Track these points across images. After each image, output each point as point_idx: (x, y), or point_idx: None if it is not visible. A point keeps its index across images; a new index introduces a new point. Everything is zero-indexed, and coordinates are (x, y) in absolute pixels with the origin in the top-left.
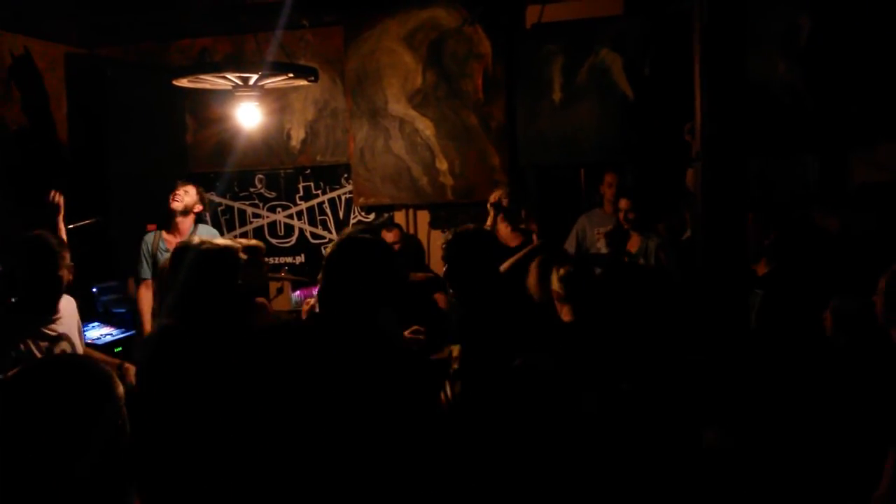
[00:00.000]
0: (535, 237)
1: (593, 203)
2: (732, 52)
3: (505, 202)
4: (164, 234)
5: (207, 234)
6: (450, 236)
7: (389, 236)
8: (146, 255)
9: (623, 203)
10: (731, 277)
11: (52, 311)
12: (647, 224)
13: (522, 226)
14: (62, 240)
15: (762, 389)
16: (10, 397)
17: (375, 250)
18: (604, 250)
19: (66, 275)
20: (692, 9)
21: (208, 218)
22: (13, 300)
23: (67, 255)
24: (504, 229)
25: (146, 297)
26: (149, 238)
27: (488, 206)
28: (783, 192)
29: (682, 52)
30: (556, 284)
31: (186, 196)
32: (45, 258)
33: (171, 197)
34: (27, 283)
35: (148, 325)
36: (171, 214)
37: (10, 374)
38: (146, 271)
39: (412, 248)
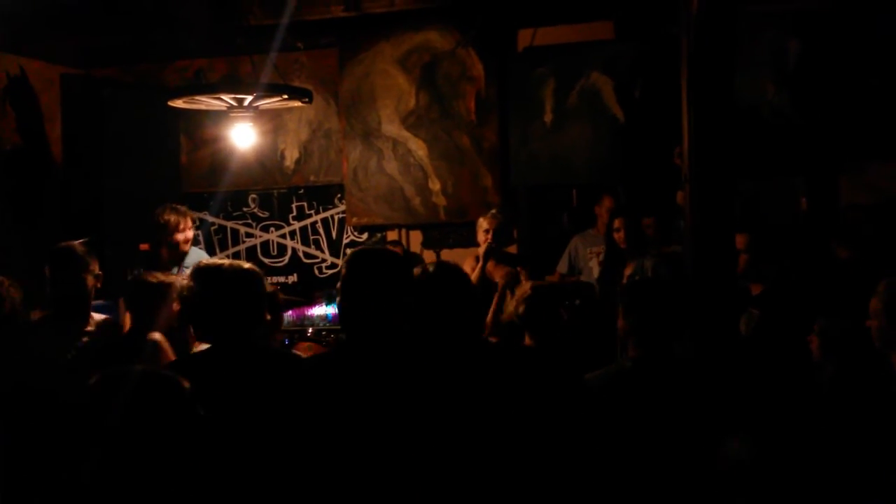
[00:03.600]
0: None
1: (584, 224)
2: (720, 76)
3: (494, 243)
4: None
5: (198, 257)
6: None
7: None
8: None
9: (618, 222)
10: (719, 295)
11: (83, 320)
12: (642, 243)
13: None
14: (89, 249)
15: (752, 407)
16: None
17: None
18: (596, 271)
19: (92, 281)
20: (681, 33)
21: (201, 238)
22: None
23: (94, 264)
24: (489, 264)
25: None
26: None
27: (474, 258)
28: (772, 214)
29: (673, 76)
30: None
31: (191, 232)
32: (69, 265)
33: (177, 236)
34: (53, 291)
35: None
36: (174, 245)
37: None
38: None
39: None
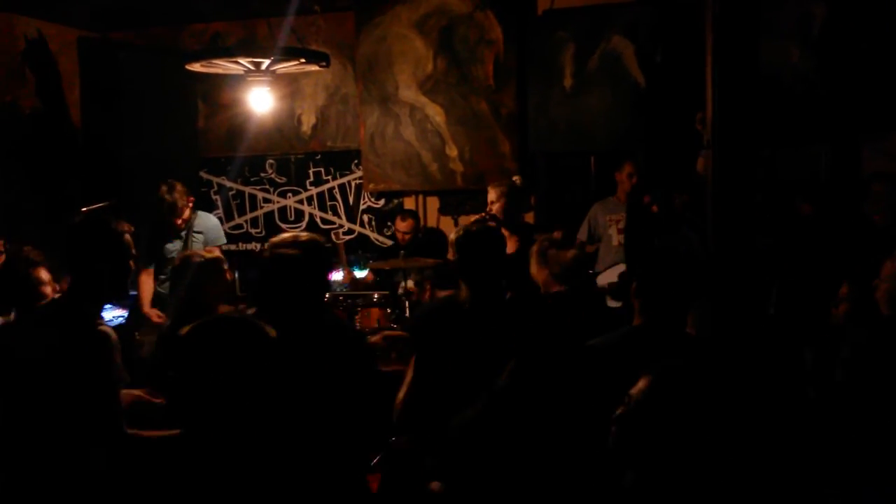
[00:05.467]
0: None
1: (605, 191)
2: (745, 41)
3: (499, 213)
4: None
5: (206, 221)
6: (461, 232)
7: (403, 226)
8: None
9: (648, 198)
10: (740, 262)
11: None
12: (673, 213)
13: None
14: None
15: (774, 377)
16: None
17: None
18: (615, 238)
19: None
20: None
21: (220, 203)
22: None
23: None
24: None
25: (147, 283)
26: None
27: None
28: (794, 181)
29: (695, 40)
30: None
31: (188, 211)
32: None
33: (177, 217)
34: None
35: (147, 307)
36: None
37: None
38: (149, 261)
39: (434, 240)
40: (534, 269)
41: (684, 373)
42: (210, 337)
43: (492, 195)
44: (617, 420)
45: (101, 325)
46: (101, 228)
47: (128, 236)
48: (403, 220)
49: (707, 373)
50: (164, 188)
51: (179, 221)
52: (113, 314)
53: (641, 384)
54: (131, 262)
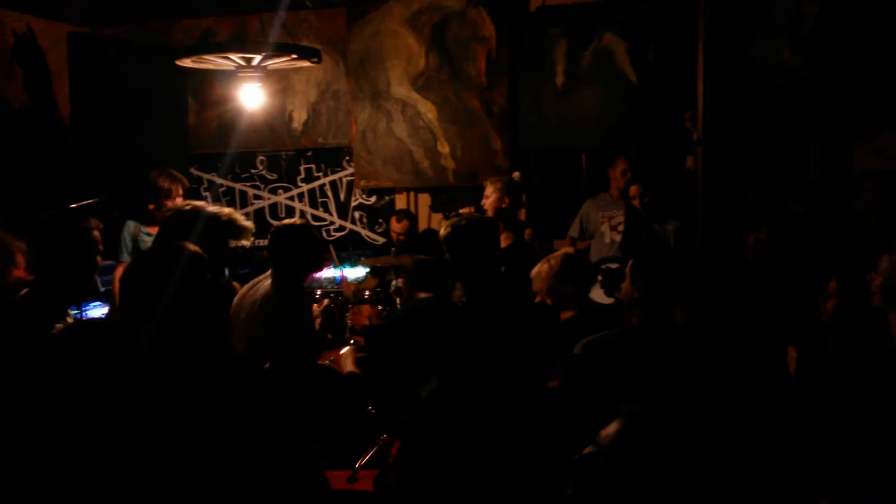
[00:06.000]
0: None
1: (596, 188)
2: (736, 39)
3: (490, 207)
4: (146, 228)
5: None
6: (448, 229)
7: (398, 227)
8: (126, 241)
9: (633, 190)
10: (730, 259)
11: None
12: (664, 209)
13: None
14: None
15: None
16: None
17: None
18: (608, 235)
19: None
20: None
21: (210, 199)
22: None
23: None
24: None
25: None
26: (130, 226)
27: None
28: (785, 178)
29: (687, 38)
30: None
31: (180, 200)
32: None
33: (167, 203)
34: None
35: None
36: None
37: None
38: (125, 256)
39: (428, 238)
40: (547, 283)
41: (656, 424)
42: (69, 347)
43: (488, 189)
44: (582, 461)
45: (58, 326)
46: (66, 225)
47: (96, 232)
48: (399, 221)
49: (684, 418)
50: (154, 174)
51: (171, 204)
52: (102, 312)
53: (612, 428)
54: (98, 259)
